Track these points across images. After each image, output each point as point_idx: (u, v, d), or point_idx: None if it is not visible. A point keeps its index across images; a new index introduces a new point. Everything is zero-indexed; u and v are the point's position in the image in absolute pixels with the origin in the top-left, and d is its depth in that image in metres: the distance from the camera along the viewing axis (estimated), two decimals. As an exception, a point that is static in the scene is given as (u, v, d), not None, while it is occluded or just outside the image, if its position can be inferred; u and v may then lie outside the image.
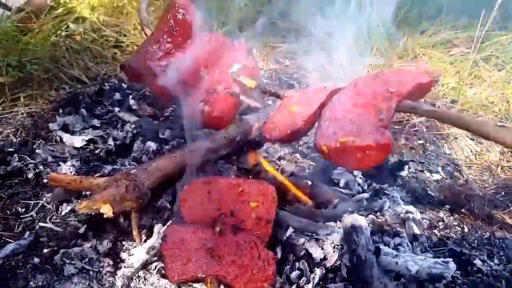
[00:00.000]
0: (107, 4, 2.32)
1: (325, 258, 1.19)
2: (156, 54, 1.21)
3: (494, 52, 2.19)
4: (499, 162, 1.86)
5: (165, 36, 1.23)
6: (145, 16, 1.35)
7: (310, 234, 1.24)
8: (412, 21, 2.47)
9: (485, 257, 1.42)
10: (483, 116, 2.05)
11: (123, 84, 1.85)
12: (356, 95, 1.07)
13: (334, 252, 1.21)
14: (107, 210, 1.15)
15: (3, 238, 1.23)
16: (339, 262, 1.19)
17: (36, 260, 1.17)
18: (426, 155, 1.86)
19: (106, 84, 1.84)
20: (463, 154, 1.88)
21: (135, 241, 1.22)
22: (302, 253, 1.19)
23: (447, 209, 1.63)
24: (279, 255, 1.17)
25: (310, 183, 1.46)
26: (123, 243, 1.23)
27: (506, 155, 1.89)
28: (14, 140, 1.54)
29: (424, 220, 1.54)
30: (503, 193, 1.73)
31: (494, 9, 2.07)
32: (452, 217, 1.61)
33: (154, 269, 1.17)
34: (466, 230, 1.58)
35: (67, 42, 2.01)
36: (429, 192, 1.70)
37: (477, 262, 1.37)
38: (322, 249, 1.21)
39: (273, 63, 2.13)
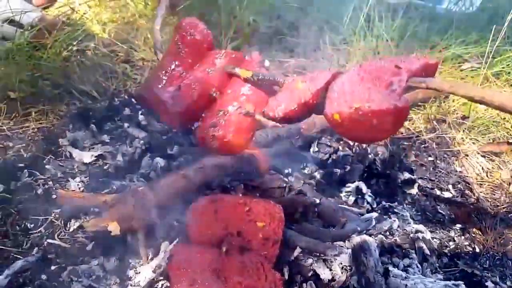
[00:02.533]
0: (118, 20, 2.36)
1: (333, 279, 1.18)
2: (164, 80, 1.16)
3: (506, 67, 2.17)
4: (511, 180, 1.83)
5: (174, 59, 1.19)
6: (158, 39, 1.31)
7: (318, 254, 1.22)
8: (422, 35, 2.47)
9: (497, 279, 1.39)
10: (495, 132, 2.02)
11: (132, 100, 1.87)
12: (364, 72, 0.99)
13: (342, 273, 1.19)
14: (114, 228, 1.16)
15: (12, 254, 1.24)
16: (347, 283, 1.17)
17: (44, 277, 1.17)
18: (436, 173, 1.84)
19: (116, 99, 1.86)
20: (474, 172, 1.86)
21: (141, 259, 1.22)
22: (309, 274, 1.18)
23: (458, 229, 1.60)
24: (286, 276, 1.16)
25: (318, 201, 1.45)
26: (130, 261, 1.23)
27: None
28: (25, 155, 1.56)
29: (435, 239, 1.52)
30: (515, 211, 1.70)
31: (505, 24, 2.05)
32: (463, 237, 1.58)
33: (160, 288, 1.16)
34: (477, 250, 1.55)
35: (78, 57, 2.04)
36: (439, 210, 1.68)
37: (489, 284, 1.34)
38: (330, 270, 1.19)
39: (278, 75, 2.13)
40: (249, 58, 1.18)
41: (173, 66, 1.18)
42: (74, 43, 2.07)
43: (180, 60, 1.18)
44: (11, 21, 2.04)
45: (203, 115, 1.14)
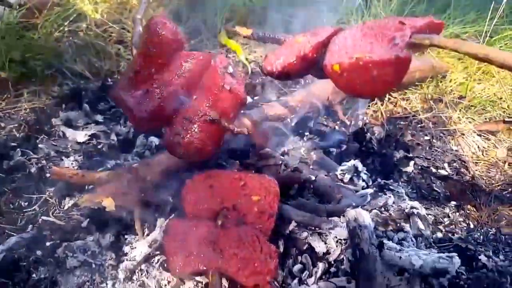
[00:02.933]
0: (110, 0, 2.32)
1: (328, 252, 1.18)
2: (131, 83, 1.10)
3: (503, 46, 2.15)
4: (506, 159, 1.83)
5: (142, 61, 1.10)
6: (137, 32, 1.23)
7: (313, 228, 1.23)
8: (420, 15, 2.44)
9: (491, 253, 1.40)
10: (491, 111, 2.02)
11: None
12: (367, 28, 0.97)
13: (337, 246, 1.20)
14: (108, 204, 1.15)
15: (6, 231, 1.23)
16: (342, 256, 1.17)
17: (39, 253, 1.17)
18: (433, 151, 1.84)
19: (109, 79, 1.84)
20: (470, 151, 1.86)
21: (137, 235, 1.22)
22: (304, 247, 1.18)
23: (453, 205, 1.61)
24: (281, 249, 1.16)
25: (313, 178, 1.45)
26: (126, 236, 1.23)
27: (515, 147, 1.87)
28: (17, 135, 1.54)
29: (429, 216, 1.52)
30: (510, 189, 1.70)
31: (503, 2, 2.04)
32: (457, 213, 1.59)
33: (156, 263, 1.17)
34: (471, 226, 1.56)
35: (70, 38, 2.01)
36: (435, 188, 1.68)
37: (482, 258, 1.35)
38: (325, 243, 1.20)
39: (278, 34, 2.12)
40: (215, 62, 1.13)
41: (141, 67, 1.11)
42: (66, 23, 2.04)
43: (149, 60, 1.11)
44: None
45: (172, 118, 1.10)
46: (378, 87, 0.94)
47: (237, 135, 1.19)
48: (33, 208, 1.32)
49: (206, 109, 1.08)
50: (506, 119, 1.94)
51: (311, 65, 1.07)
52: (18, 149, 1.45)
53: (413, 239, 1.30)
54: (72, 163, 1.43)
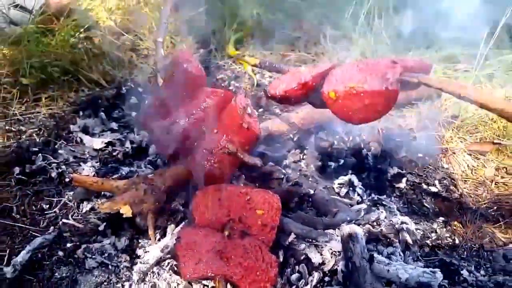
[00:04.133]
0: (124, 8, 2.41)
1: (323, 263, 1.30)
2: (158, 112, 1.23)
3: (497, 70, 2.27)
4: (494, 178, 1.94)
5: (169, 93, 1.25)
6: (160, 56, 1.36)
7: (310, 240, 1.34)
8: (419, 34, 2.54)
9: (472, 268, 1.52)
10: (482, 132, 2.14)
11: (139, 89, 1.95)
12: (362, 64, 1.11)
13: (331, 258, 1.31)
14: (126, 211, 1.26)
15: (30, 232, 1.34)
16: (335, 267, 1.29)
17: (60, 253, 1.28)
18: (425, 168, 1.95)
19: (123, 87, 1.94)
20: (459, 169, 1.97)
21: (150, 240, 1.33)
22: (302, 258, 1.30)
23: (440, 221, 1.72)
24: (281, 259, 1.28)
25: (312, 192, 1.57)
26: (139, 241, 1.34)
27: (501, 171, 1.98)
28: (38, 140, 1.65)
29: (418, 230, 1.64)
30: (495, 207, 1.82)
31: (498, 27, 2.15)
32: (444, 229, 1.70)
33: (167, 266, 1.28)
34: (457, 241, 1.67)
35: (85, 44, 2.11)
36: (425, 204, 1.80)
37: (464, 272, 1.46)
38: (321, 254, 1.32)
39: (282, 64, 2.23)
40: (235, 101, 1.27)
41: (168, 98, 1.25)
42: (81, 30, 2.13)
43: (175, 92, 1.25)
44: (16, 6, 2.08)
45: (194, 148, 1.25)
46: (368, 115, 1.08)
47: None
48: (54, 210, 1.42)
49: (225, 142, 1.22)
50: (495, 141, 2.05)
51: (310, 93, 1.20)
52: (40, 154, 1.55)
53: (401, 253, 1.42)
54: (89, 169, 1.54)
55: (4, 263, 1.24)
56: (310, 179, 1.70)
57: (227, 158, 1.27)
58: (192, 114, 1.23)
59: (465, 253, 1.63)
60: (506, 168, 2.00)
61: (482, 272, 1.51)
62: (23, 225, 1.35)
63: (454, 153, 2.04)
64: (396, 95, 1.04)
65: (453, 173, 1.96)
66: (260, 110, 2.06)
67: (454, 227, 1.73)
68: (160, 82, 1.37)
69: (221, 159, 1.28)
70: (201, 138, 1.27)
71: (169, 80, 1.23)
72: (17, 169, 1.50)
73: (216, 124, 1.31)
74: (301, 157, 1.79)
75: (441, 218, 1.73)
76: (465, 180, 1.95)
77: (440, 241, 1.64)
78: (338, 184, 1.71)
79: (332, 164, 1.80)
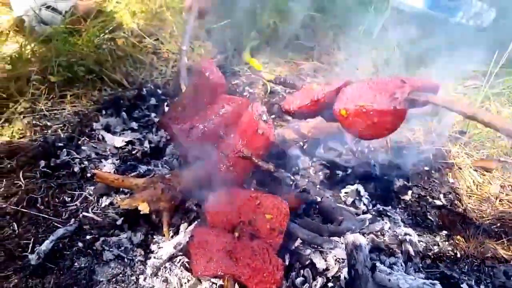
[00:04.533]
0: (147, 11, 2.51)
1: (327, 269, 1.36)
2: (180, 116, 1.32)
3: (506, 89, 2.30)
4: (499, 195, 1.99)
5: (190, 98, 1.34)
6: (184, 64, 1.45)
7: (315, 246, 1.41)
8: (432, 48, 2.59)
9: (473, 283, 1.56)
10: (489, 148, 2.17)
11: (158, 90, 2.03)
12: (372, 83, 1.18)
13: (335, 264, 1.38)
14: (144, 208, 1.35)
15: (53, 222, 1.43)
16: (339, 273, 1.36)
17: (80, 244, 1.37)
18: (430, 182, 2.00)
19: (144, 89, 2.03)
20: (465, 184, 2.02)
21: (164, 236, 1.41)
22: (307, 263, 1.37)
23: (443, 234, 1.77)
24: (287, 262, 1.35)
25: (319, 199, 1.63)
26: (154, 236, 1.43)
27: (506, 189, 2.02)
28: (62, 135, 1.74)
29: (421, 242, 1.69)
30: (498, 224, 1.86)
31: (510, 47, 2.18)
32: (447, 242, 1.75)
33: (178, 262, 1.35)
34: (458, 255, 1.72)
35: (110, 45, 2.20)
36: (429, 216, 1.85)
37: (464, 286, 1.52)
38: (325, 260, 1.38)
39: (296, 80, 2.29)
40: (251, 108, 1.35)
41: (190, 104, 1.36)
42: (106, 31, 2.23)
43: (196, 98, 1.34)
44: (47, 7, 2.18)
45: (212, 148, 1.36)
46: (377, 132, 1.14)
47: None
48: (75, 203, 1.51)
49: (241, 147, 1.29)
50: (502, 158, 2.09)
51: (323, 109, 1.27)
52: (64, 149, 1.65)
53: (403, 264, 1.48)
54: (110, 166, 1.63)
55: (29, 250, 1.33)
56: (317, 186, 1.76)
57: (242, 162, 1.35)
58: (211, 119, 1.31)
59: (466, 267, 1.68)
60: (511, 186, 2.04)
61: (482, 287, 1.56)
62: (46, 216, 1.44)
63: (460, 168, 2.08)
64: (404, 114, 1.11)
65: (458, 188, 2.01)
66: (272, 116, 2.13)
67: (457, 241, 1.77)
68: (183, 88, 1.45)
69: (236, 162, 1.35)
70: (218, 142, 1.34)
71: (192, 86, 1.32)
72: (42, 163, 1.59)
73: (233, 129, 1.38)
74: (310, 165, 1.86)
75: (444, 232, 1.78)
76: (470, 196, 1.99)
77: (442, 254, 1.69)
78: (345, 193, 1.77)
79: (340, 173, 1.86)
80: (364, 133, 1.17)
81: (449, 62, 2.50)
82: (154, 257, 1.36)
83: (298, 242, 1.40)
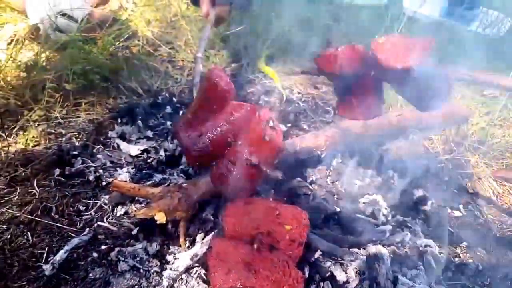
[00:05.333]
0: (162, 19, 2.52)
1: (347, 282, 1.32)
2: (189, 124, 1.31)
3: (523, 98, 2.27)
4: (520, 205, 1.94)
5: (200, 105, 1.32)
6: (198, 71, 1.44)
7: (336, 258, 1.37)
8: (449, 57, 2.55)
9: (495, 296, 1.51)
10: (508, 158, 2.13)
11: (173, 98, 2.02)
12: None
13: (356, 277, 1.34)
14: (160, 217, 1.32)
15: (67, 232, 1.41)
16: (359, 286, 1.31)
17: (95, 255, 1.34)
18: (450, 192, 1.95)
19: (159, 97, 2.02)
20: (485, 195, 1.97)
21: (180, 247, 1.38)
22: (327, 275, 1.33)
23: (464, 246, 1.72)
24: (306, 275, 1.31)
25: (338, 209, 1.59)
26: (170, 247, 1.40)
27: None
28: (77, 144, 1.73)
29: (442, 254, 1.64)
30: (520, 235, 1.81)
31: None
32: (468, 254, 1.70)
33: (195, 274, 1.32)
34: (480, 268, 1.67)
35: (125, 53, 2.20)
36: (449, 228, 1.80)
37: (487, 299, 1.46)
38: (346, 273, 1.34)
39: (311, 88, 2.27)
40: (259, 115, 1.32)
41: (199, 110, 1.33)
42: (121, 39, 2.24)
43: (206, 105, 1.32)
44: (63, 15, 2.19)
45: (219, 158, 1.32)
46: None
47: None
48: (90, 212, 1.49)
49: (248, 154, 1.26)
50: (522, 168, 2.05)
51: None
52: (79, 157, 1.63)
53: (425, 276, 1.43)
54: (125, 174, 1.61)
55: (43, 260, 1.31)
56: (335, 196, 1.73)
57: (250, 170, 1.29)
58: (219, 126, 1.29)
59: (489, 280, 1.63)
60: (533, 197, 1.99)
61: (505, 300, 1.51)
62: (61, 225, 1.43)
63: (479, 178, 2.03)
64: None
65: (478, 198, 1.96)
66: (288, 125, 2.10)
67: (478, 253, 1.72)
68: (195, 95, 1.43)
69: (244, 171, 1.29)
70: (225, 149, 1.31)
71: (202, 93, 1.31)
72: (57, 171, 1.58)
73: (241, 136, 1.34)
74: (328, 174, 1.83)
75: (465, 243, 1.73)
76: (490, 206, 1.94)
77: (463, 266, 1.64)
78: (364, 203, 1.73)
79: (358, 182, 1.82)
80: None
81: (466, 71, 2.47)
82: (170, 269, 1.33)
83: (318, 254, 1.36)
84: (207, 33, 1.64)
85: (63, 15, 2.08)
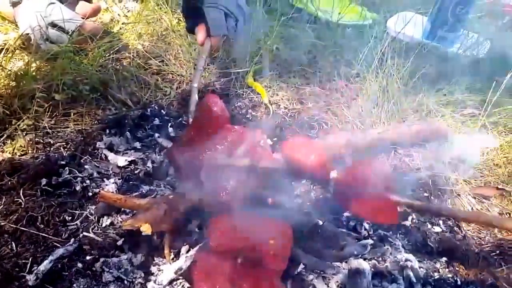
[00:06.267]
0: (153, 33, 2.56)
1: (329, 295, 1.35)
2: (184, 147, 1.40)
3: (503, 118, 2.35)
4: (497, 222, 1.99)
5: (195, 130, 1.43)
6: (194, 101, 1.55)
7: (318, 271, 1.40)
8: (430, 78, 2.66)
9: (473, 311, 1.56)
10: (487, 176, 2.20)
11: (162, 111, 2.05)
12: None
13: (337, 290, 1.37)
14: (146, 229, 1.34)
15: (52, 242, 1.41)
16: (341, 300, 1.35)
17: (80, 265, 1.34)
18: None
19: (148, 109, 2.04)
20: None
21: (165, 258, 1.40)
22: (309, 288, 1.36)
23: (443, 261, 1.77)
24: (289, 288, 1.34)
25: (321, 223, 1.63)
26: (154, 258, 1.41)
27: (504, 216, 2.03)
28: (64, 154, 1.74)
29: (421, 268, 1.69)
30: (497, 252, 1.86)
31: (507, 76, 2.25)
32: (447, 269, 1.74)
33: (178, 286, 1.34)
34: (459, 282, 1.71)
35: (115, 65, 2.23)
36: (429, 243, 1.84)
37: (465, 314, 1.51)
38: (328, 286, 1.37)
39: (297, 103, 2.33)
40: (252, 136, 1.41)
41: (195, 135, 1.45)
42: (112, 51, 2.26)
43: (201, 130, 1.43)
44: (54, 26, 2.20)
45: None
46: None
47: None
48: (75, 223, 1.49)
49: None
50: (500, 186, 2.12)
51: None
52: (66, 167, 1.64)
53: (404, 290, 1.47)
54: (112, 185, 1.62)
55: (27, 270, 1.31)
56: (319, 210, 1.76)
57: None
58: (213, 150, 1.38)
59: (467, 295, 1.67)
60: (509, 214, 2.05)
61: (483, 315, 1.55)
62: (46, 235, 1.43)
63: (459, 195, 2.10)
64: None
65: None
66: (274, 139, 2.14)
67: (457, 268, 1.77)
68: (190, 121, 1.50)
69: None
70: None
71: (197, 118, 1.40)
72: (43, 180, 1.58)
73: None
74: (312, 187, 1.87)
75: (444, 258, 1.78)
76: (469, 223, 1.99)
77: (442, 280, 1.68)
78: (347, 217, 1.77)
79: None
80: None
81: (447, 91, 2.57)
82: (155, 281, 1.34)
83: (300, 267, 1.39)
84: (202, 63, 1.69)
85: (54, 26, 2.10)
